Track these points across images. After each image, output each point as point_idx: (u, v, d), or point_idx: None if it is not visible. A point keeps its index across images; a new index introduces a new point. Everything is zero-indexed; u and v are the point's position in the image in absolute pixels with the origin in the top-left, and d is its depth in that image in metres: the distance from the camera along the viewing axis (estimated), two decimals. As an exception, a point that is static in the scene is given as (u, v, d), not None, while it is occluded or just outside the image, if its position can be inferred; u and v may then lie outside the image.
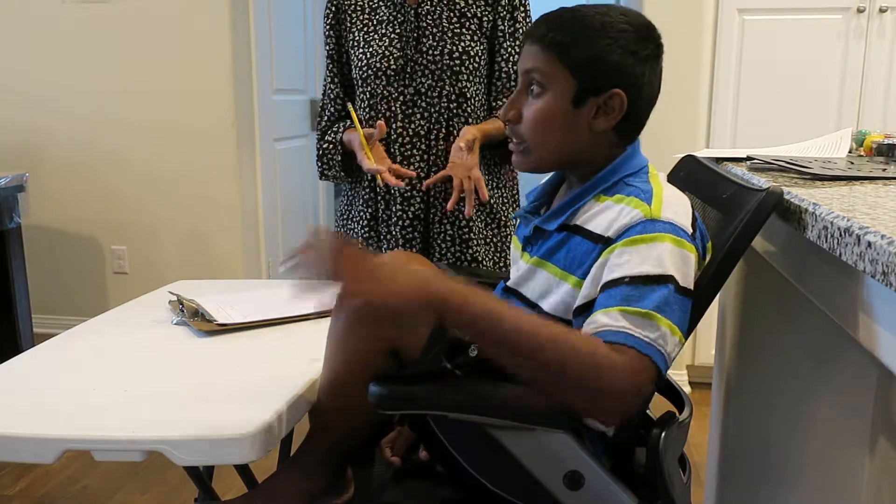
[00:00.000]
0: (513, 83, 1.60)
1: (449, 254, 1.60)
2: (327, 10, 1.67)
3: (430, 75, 1.58)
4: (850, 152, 1.45)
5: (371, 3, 1.63)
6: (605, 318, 0.89)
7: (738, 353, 1.48)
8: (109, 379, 1.05)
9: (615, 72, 0.99)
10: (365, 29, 1.62)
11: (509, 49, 1.62)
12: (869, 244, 0.70)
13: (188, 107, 3.06)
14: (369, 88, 1.61)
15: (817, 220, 0.85)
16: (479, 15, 1.59)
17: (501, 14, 1.60)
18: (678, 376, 2.72)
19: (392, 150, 1.61)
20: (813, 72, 2.51)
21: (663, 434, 0.96)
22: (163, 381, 1.05)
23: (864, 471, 0.86)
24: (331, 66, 1.69)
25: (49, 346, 1.19)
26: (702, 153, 1.54)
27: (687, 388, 2.76)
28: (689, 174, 1.27)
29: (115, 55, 3.07)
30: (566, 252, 1.00)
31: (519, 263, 1.10)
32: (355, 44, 1.63)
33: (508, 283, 1.08)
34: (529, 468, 0.93)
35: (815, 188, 1.02)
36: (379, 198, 1.63)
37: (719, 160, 1.43)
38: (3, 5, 3.10)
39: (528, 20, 1.63)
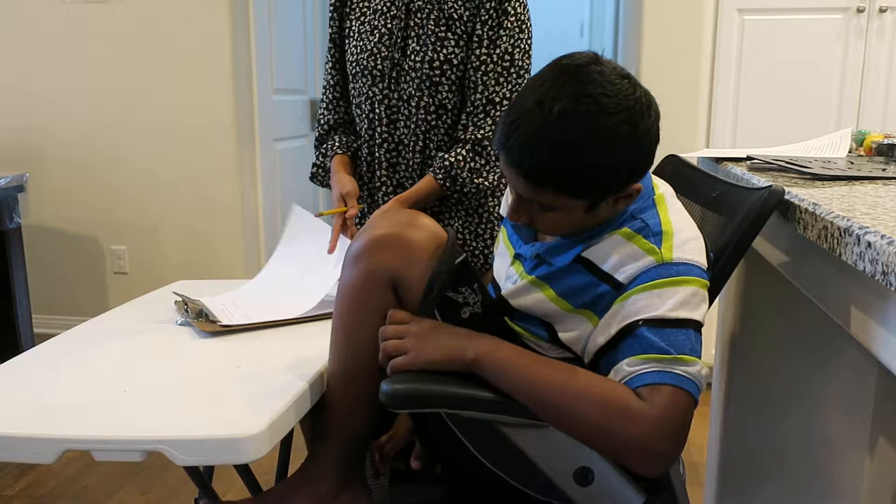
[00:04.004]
0: (478, 95, 1.48)
1: None
2: None
3: (411, 82, 1.49)
4: (850, 152, 1.45)
5: None
6: (630, 367, 0.88)
7: (738, 353, 1.48)
8: (110, 379, 1.05)
9: (624, 175, 0.91)
10: (361, 18, 1.55)
11: (484, 58, 1.46)
12: (869, 244, 0.70)
13: (188, 107, 3.05)
14: (357, 85, 1.56)
15: (817, 220, 0.85)
16: (464, 17, 1.47)
17: (483, 18, 1.45)
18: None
19: (378, 154, 1.55)
20: (813, 72, 2.51)
21: None
22: (163, 381, 1.05)
23: (864, 471, 0.86)
24: (332, 49, 1.61)
25: (49, 345, 1.19)
26: (702, 153, 1.54)
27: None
28: (674, 174, 1.27)
29: (115, 55, 3.06)
30: (567, 280, 0.98)
31: (510, 272, 1.08)
32: (350, 32, 1.57)
33: (503, 293, 1.06)
34: (540, 465, 0.94)
35: (815, 188, 1.02)
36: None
37: (719, 160, 1.43)
38: (3, 5, 3.10)
39: (518, 30, 1.47)
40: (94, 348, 1.18)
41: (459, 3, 1.47)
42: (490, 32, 1.46)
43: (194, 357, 1.14)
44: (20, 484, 2.13)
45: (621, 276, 0.93)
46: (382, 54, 1.51)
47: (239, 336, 1.22)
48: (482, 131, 1.48)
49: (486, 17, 1.46)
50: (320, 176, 1.65)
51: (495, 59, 1.47)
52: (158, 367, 1.10)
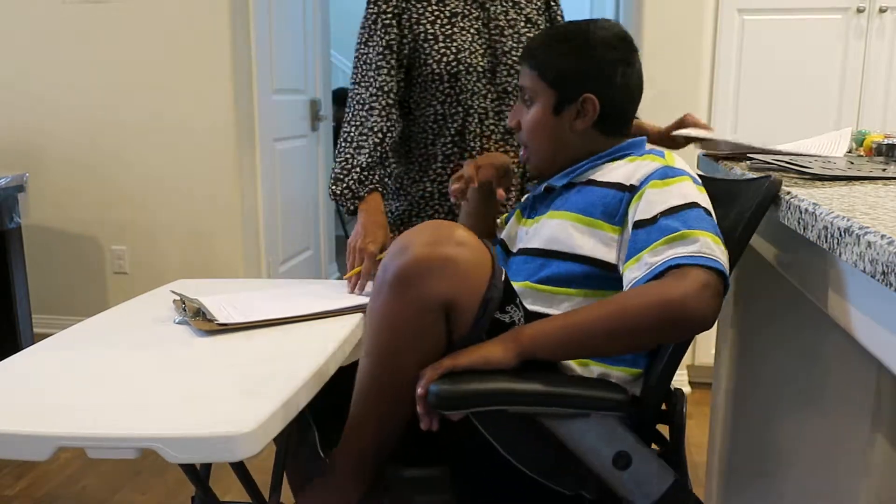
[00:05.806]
0: None
1: None
2: None
3: (516, 75, 1.60)
4: (849, 152, 1.45)
5: None
6: (651, 258, 0.99)
7: (739, 352, 1.48)
8: (106, 377, 1.05)
9: (584, 79, 1.16)
10: (439, 22, 1.57)
11: None
12: (869, 244, 0.70)
13: (188, 107, 3.05)
14: (457, 84, 1.57)
15: (817, 220, 0.84)
16: (537, 21, 1.66)
17: (555, 18, 1.70)
18: (678, 376, 2.71)
19: (488, 147, 1.63)
20: (813, 72, 2.51)
21: (684, 409, 1.06)
22: (160, 379, 1.05)
23: (864, 471, 0.86)
24: (389, 56, 1.56)
25: (46, 344, 1.19)
26: (701, 153, 1.54)
27: (687, 388, 2.75)
28: None
29: (115, 55, 3.07)
30: (580, 198, 1.12)
31: (518, 230, 1.23)
32: (429, 37, 1.56)
33: (515, 250, 1.19)
34: (583, 454, 0.96)
35: (815, 188, 1.01)
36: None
37: (719, 159, 1.43)
38: (3, 5, 3.10)
39: None
40: (90, 346, 1.18)
41: (533, 7, 1.67)
42: None
43: (190, 356, 1.14)
44: (20, 484, 2.13)
45: (634, 180, 1.09)
46: (480, 51, 1.59)
47: (237, 335, 1.22)
48: None
49: (554, 16, 1.71)
50: (348, 194, 1.53)
51: None
52: (154, 366, 1.10)
